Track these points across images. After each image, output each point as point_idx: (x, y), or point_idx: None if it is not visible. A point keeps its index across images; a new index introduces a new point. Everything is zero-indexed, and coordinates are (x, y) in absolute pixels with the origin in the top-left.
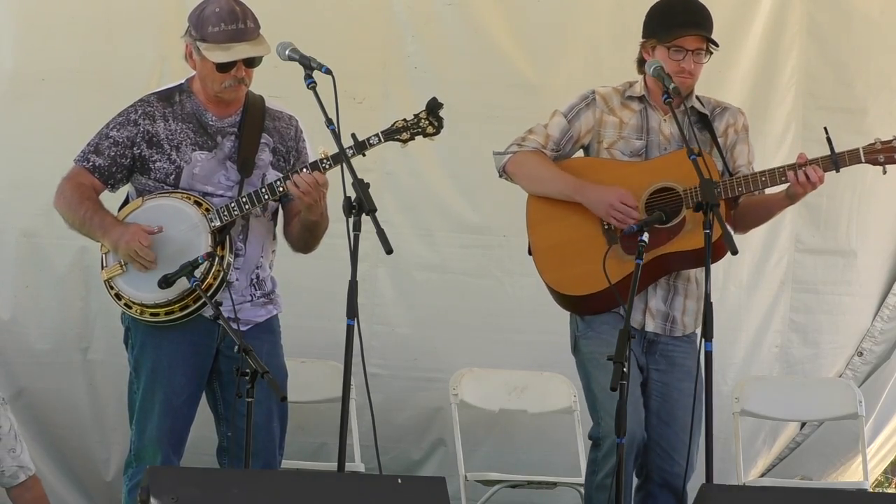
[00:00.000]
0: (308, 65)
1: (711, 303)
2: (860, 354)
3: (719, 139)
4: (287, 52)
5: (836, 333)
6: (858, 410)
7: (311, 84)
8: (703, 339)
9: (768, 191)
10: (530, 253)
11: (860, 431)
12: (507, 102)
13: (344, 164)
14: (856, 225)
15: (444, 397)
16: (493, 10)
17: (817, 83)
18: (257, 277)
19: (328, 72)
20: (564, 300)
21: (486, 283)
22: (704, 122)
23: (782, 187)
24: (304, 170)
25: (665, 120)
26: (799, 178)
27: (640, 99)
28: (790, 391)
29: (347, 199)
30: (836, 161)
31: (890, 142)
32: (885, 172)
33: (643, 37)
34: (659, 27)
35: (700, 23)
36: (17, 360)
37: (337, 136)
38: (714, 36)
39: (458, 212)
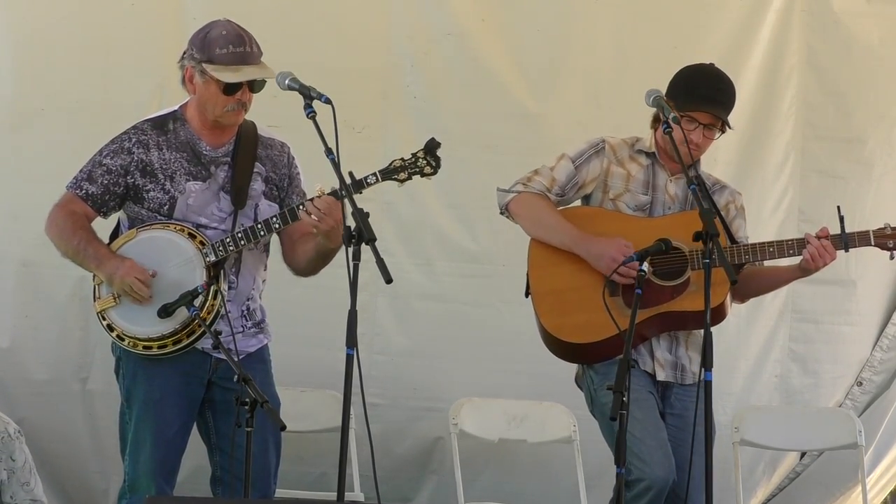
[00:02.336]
0: (308, 94)
1: (711, 332)
2: (859, 384)
3: (721, 212)
4: (287, 82)
5: (835, 363)
6: (858, 440)
7: (311, 114)
8: (702, 368)
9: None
10: (528, 295)
11: (860, 461)
12: (506, 132)
13: (344, 193)
14: (855, 255)
15: (444, 427)
16: (492, 40)
17: (816, 113)
18: (248, 309)
19: (328, 101)
20: (562, 347)
21: (485, 312)
22: (705, 192)
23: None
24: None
25: (671, 180)
26: (809, 250)
27: (649, 154)
28: (790, 421)
29: (347, 228)
30: (845, 241)
31: None
32: (892, 258)
33: (665, 95)
34: (678, 93)
35: (719, 101)
36: (17, 391)
37: (336, 166)
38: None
39: (458, 241)
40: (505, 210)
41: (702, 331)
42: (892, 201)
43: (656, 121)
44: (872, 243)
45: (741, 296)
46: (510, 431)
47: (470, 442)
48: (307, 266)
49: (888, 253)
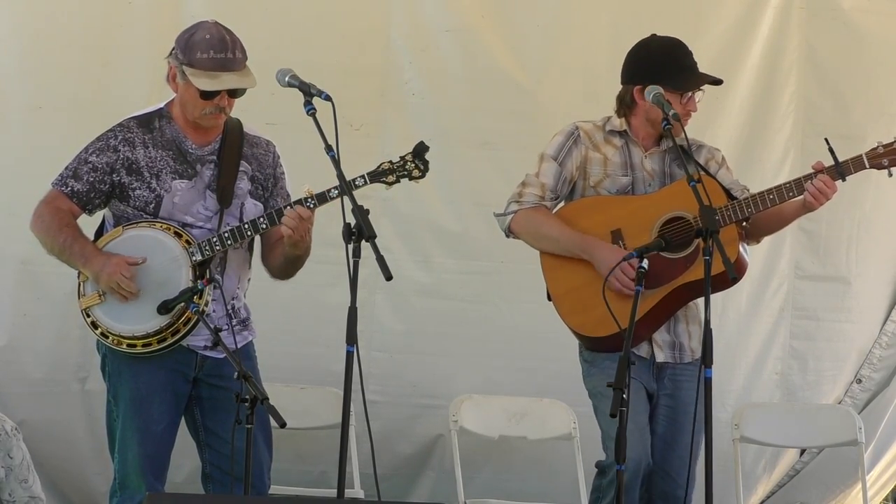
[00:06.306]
0: (308, 91)
1: (711, 329)
2: (859, 381)
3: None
4: (287, 79)
5: (835, 360)
6: (858, 437)
7: (311, 111)
8: (701, 366)
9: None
10: (550, 299)
11: (860, 458)
12: (504, 129)
13: (343, 191)
14: (855, 252)
15: (444, 424)
16: (491, 36)
17: (816, 110)
18: (233, 308)
19: (328, 98)
20: (592, 342)
21: (484, 309)
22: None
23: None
24: (289, 207)
25: (646, 156)
26: (810, 191)
27: (621, 134)
28: (790, 418)
29: (347, 225)
30: (840, 170)
31: (891, 144)
32: (890, 175)
33: (638, 81)
34: (666, 74)
35: (696, 64)
36: (15, 390)
37: (337, 163)
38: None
39: (457, 238)
40: (509, 233)
41: (699, 304)
42: (892, 198)
43: (621, 104)
44: (867, 166)
45: (755, 236)
46: (510, 428)
47: (470, 439)
48: (279, 270)
49: (888, 247)
